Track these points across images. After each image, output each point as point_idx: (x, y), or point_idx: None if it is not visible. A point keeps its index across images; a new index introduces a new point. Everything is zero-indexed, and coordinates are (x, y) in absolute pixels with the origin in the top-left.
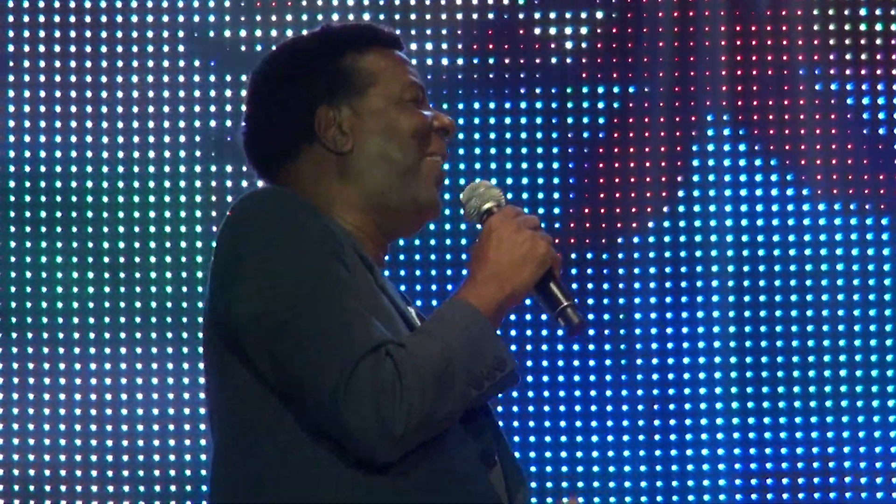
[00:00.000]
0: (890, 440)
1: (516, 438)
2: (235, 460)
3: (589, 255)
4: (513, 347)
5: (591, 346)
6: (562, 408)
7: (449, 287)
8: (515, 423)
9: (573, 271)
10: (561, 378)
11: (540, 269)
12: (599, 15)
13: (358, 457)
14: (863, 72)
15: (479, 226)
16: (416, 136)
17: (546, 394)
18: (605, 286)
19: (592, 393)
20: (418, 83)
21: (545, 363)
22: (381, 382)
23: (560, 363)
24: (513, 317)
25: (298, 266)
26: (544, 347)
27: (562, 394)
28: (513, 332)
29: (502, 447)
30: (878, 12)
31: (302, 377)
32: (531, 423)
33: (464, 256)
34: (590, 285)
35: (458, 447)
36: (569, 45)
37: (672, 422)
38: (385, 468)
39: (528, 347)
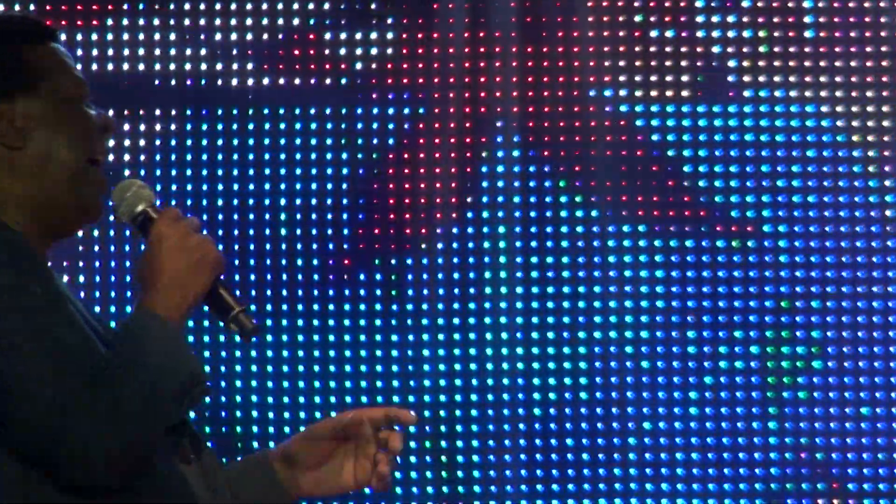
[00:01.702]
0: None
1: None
2: None
3: (378, 276)
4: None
5: (380, 352)
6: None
7: None
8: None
9: (362, 292)
10: (348, 384)
11: (213, 273)
12: (390, 35)
13: (75, 484)
14: (653, 93)
15: (128, 225)
16: (86, 136)
17: (333, 399)
18: (394, 307)
19: (379, 399)
20: (84, 81)
21: (349, 367)
22: (95, 410)
23: (348, 368)
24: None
25: None
26: (347, 352)
27: (349, 400)
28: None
29: (196, 444)
30: (669, 34)
31: (12, 408)
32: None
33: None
34: (377, 306)
35: (159, 453)
36: (359, 65)
37: (458, 427)
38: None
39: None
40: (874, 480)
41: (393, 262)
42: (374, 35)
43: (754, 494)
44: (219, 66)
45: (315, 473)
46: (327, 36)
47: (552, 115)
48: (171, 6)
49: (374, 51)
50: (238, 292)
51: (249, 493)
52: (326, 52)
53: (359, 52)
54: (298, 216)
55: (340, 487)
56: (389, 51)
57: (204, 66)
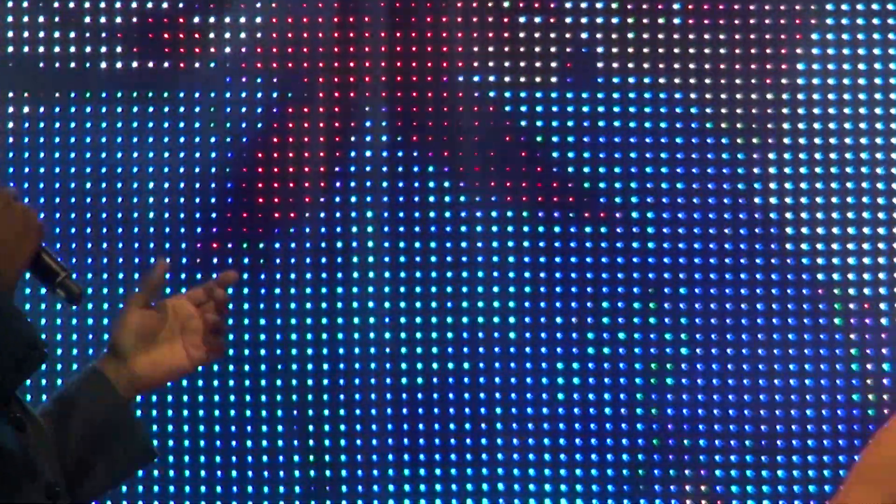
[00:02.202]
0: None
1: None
2: None
3: (246, 260)
4: None
5: (247, 336)
6: (216, 397)
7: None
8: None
9: (232, 262)
10: (215, 367)
11: (38, 241)
12: (258, 20)
13: None
14: (521, 80)
15: None
16: None
17: (200, 382)
18: (262, 291)
19: (247, 382)
20: None
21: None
22: None
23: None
24: None
25: None
26: None
27: (216, 383)
28: None
29: (26, 411)
30: (537, 20)
31: None
32: (163, 413)
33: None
34: (245, 290)
35: None
36: (228, 49)
37: (325, 412)
38: None
39: None
40: (741, 466)
41: (261, 246)
42: (242, 19)
43: (622, 480)
44: (88, 49)
45: (148, 357)
46: (196, 20)
47: (421, 101)
48: None
49: (242, 35)
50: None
51: (85, 408)
52: (196, 35)
53: (228, 35)
54: (166, 199)
55: (178, 368)
56: (259, 35)
57: (73, 49)
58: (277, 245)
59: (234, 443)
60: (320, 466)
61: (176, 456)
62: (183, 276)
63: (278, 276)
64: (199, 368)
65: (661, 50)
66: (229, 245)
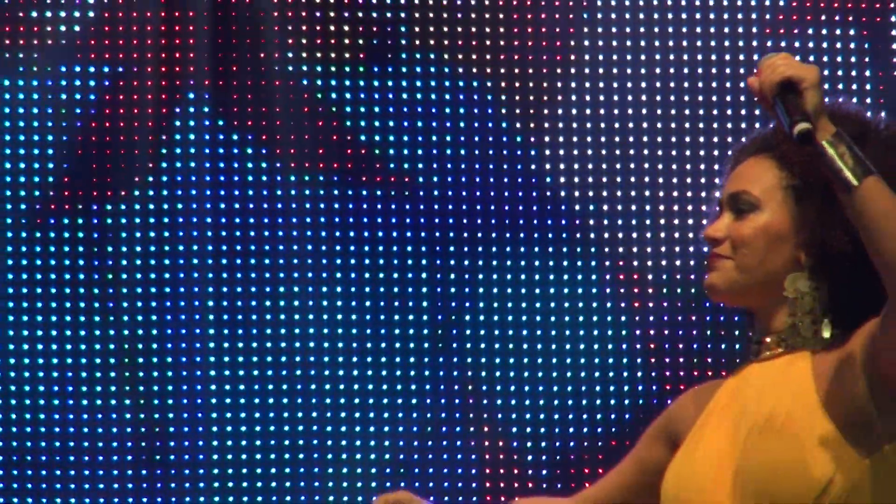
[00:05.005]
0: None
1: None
2: None
3: (80, 234)
4: None
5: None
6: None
7: None
8: None
9: (69, 235)
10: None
11: None
12: (91, 14)
13: None
14: (332, 69)
15: None
16: None
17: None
18: (95, 257)
19: (87, 376)
20: None
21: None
22: None
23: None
24: None
25: None
26: None
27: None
28: None
29: None
30: (345, 15)
31: None
32: None
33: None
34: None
35: None
36: (63, 27)
37: (165, 397)
38: None
39: None
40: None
41: (95, 221)
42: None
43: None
44: None
45: None
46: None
47: (241, 89)
48: None
49: (83, 12)
50: None
51: None
52: (34, 14)
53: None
54: (8, 178)
55: None
56: (92, 14)
57: None
58: (109, 220)
59: None
60: None
61: None
62: (23, 248)
63: (110, 248)
64: None
65: (460, 42)
66: (65, 220)
